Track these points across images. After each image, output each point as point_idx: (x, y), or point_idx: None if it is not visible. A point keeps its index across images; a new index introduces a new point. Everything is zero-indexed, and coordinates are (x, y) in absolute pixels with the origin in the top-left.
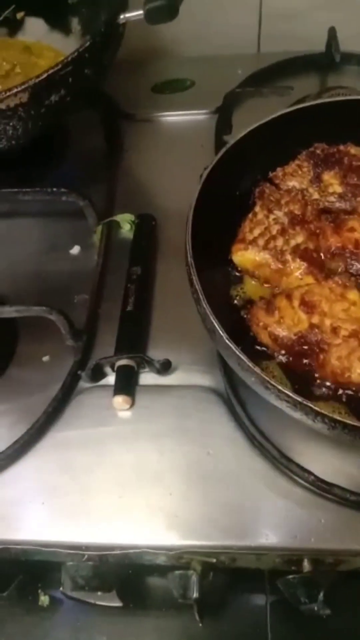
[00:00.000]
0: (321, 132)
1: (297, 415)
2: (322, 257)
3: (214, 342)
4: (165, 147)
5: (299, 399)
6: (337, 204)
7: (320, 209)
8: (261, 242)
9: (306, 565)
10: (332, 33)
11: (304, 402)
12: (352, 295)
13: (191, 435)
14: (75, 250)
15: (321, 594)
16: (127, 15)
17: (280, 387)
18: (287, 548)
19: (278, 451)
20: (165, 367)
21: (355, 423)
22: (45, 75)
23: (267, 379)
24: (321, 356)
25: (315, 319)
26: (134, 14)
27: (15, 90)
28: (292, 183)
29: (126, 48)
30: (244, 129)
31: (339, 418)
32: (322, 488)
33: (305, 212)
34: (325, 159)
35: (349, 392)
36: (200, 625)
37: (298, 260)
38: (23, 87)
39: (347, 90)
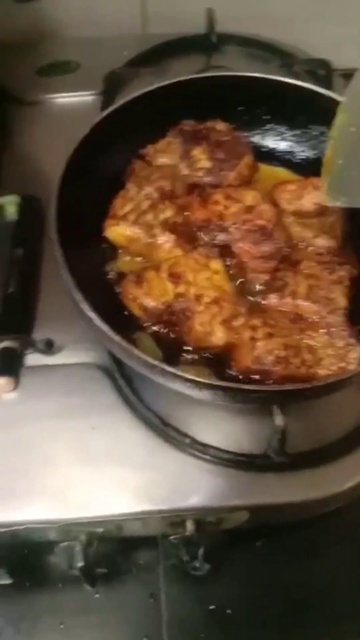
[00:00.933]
0: (191, 108)
1: (161, 380)
2: (192, 230)
3: (79, 316)
4: (52, 129)
5: (156, 363)
6: (205, 179)
7: (191, 183)
8: (132, 217)
9: (189, 526)
10: (209, 14)
11: (161, 366)
12: (214, 264)
13: (77, 412)
14: None
15: (201, 551)
16: None
17: (140, 355)
18: (168, 510)
19: (159, 419)
20: (49, 347)
21: (207, 381)
22: None
23: (128, 347)
24: (187, 323)
25: (180, 288)
26: None
27: None
28: (163, 159)
29: (11, 31)
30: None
31: (189, 376)
32: (198, 449)
33: (175, 187)
34: (194, 135)
35: (210, 355)
36: (97, 595)
37: (167, 233)
38: None
39: (224, 71)
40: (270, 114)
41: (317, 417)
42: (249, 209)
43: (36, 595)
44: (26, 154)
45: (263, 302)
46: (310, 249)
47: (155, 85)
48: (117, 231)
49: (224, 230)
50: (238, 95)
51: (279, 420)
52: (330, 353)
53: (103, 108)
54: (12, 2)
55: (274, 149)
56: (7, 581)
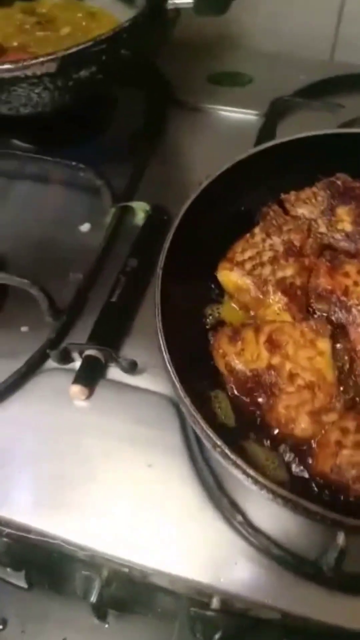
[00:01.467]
0: (350, 162)
1: (219, 458)
2: (307, 296)
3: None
4: (207, 142)
5: (218, 442)
6: (342, 243)
7: (324, 244)
8: (249, 265)
9: (215, 602)
10: None
11: (222, 447)
12: (321, 344)
13: (138, 441)
14: (86, 227)
15: (218, 635)
16: (176, 1)
17: (203, 424)
18: (193, 582)
19: (216, 481)
20: (132, 367)
21: (265, 481)
22: (74, 50)
23: (192, 411)
24: (270, 400)
25: (275, 360)
26: (184, 1)
27: (42, 59)
28: (302, 210)
29: (192, 30)
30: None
31: (247, 469)
32: (247, 531)
33: (305, 245)
34: (344, 192)
35: (286, 444)
36: (106, 626)
37: (279, 293)
38: (51, 57)
39: None
40: None
41: None
42: None
43: (49, 603)
44: (174, 161)
45: None
46: None
47: (313, 133)
48: (229, 276)
49: (346, 308)
50: None
51: (341, 539)
52: None
53: (262, 133)
54: None
55: None
56: (23, 585)
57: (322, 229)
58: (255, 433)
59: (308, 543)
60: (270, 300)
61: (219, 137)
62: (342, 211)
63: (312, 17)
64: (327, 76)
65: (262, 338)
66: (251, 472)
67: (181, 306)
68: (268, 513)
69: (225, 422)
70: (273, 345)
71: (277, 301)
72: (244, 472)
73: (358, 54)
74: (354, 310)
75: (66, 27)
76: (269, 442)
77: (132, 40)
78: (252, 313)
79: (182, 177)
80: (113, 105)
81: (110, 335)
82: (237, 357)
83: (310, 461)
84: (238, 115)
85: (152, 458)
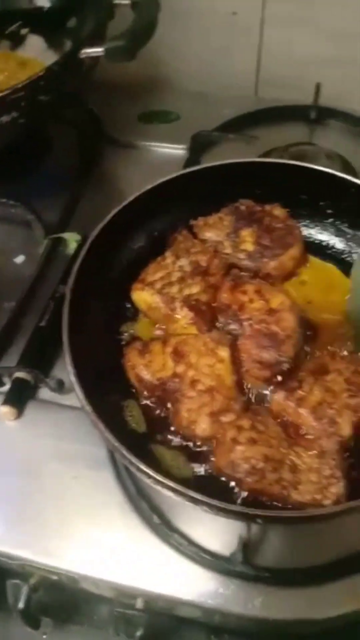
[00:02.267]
0: (253, 188)
1: (126, 463)
2: (213, 312)
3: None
4: (138, 175)
5: (122, 448)
6: (245, 262)
7: (229, 263)
8: (159, 285)
9: (139, 603)
10: (317, 88)
11: (125, 453)
12: (222, 352)
13: (64, 456)
14: (20, 259)
15: (139, 632)
16: (88, 50)
17: (107, 434)
18: (117, 584)
19: (136, 487)
20: (59, 387)
21: (162, 479)
22: None
23: (98, 422)
24: (175, 405)
25: (180, 368)
26: (95, 50)
27: None
28: (209, 234)
29: (122, 72)
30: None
31: (147, 470)
32: (163, 531)
33: (211, 265)
34: (248, 216)
35: (192, 444)
36: (44, 637)
37: (185, 309)
38: None
39: (314, 148)
40: (334, 210)
41: (305, 538)
42: (272, 312)
43: None
44: (106, 194)
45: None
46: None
47: (219, 162)
48: (141, 295)
49: (239, 321)
50: (303, 185)
51: (243, 531)
52: (312, 479)
53: (187, 165)
54: None
55: (330, 244)
56: None
57: (228, 250)
58: (163, 436)
59: (223, 540)
60: (178, 316)
61: (149, 171)
62: (246, 233)
63: (234, 57)
64: (249, 111)
65: (169, 349)
66: (146, 469)
67: (97, 325)
68: (185, 515)
69: (136, 428)
70: (178, 355)
71: (184, 316)
72: (140, 470)
73: (279, 89)
74: (245, 323)
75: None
76: (175, 444)
77: (49, 87)
78: (164, 328)
79: (113, 208)
80: (48, 143)
81: (39, 358)
82: (146, 368)
83: (212, 459)
84: (166, 150)
85: (78, 471)
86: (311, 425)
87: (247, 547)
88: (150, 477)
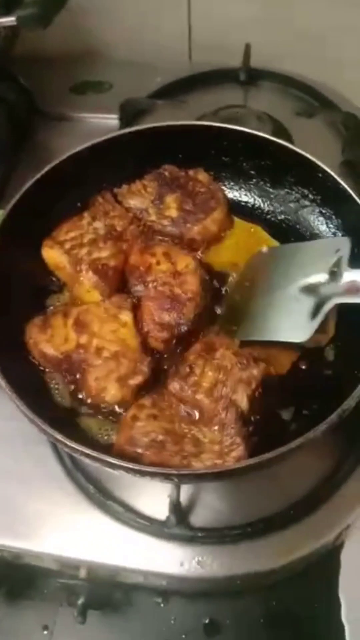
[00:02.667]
0: (178, 153)
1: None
2: (121, 277)
3: None
4: (72, 147)
5: (37, 421)
6: (169, 228)
7: (154, 231)
8: (68, 245)
9: (82, 572)
10: (246, 49)
11: (40, 424)
12: (124, 316)
13: (7, 436)
14: None
15: (80, 600)
16: (1, 20)
17: (22, 407)
18: (60, 556)
19: (72, 461)
20: None
21: (71, 443)
22: None
23: (16, 401)
24: (83, 375)
25: (83, 339)
26: (7, 19)
27: None
28: (134, 202)
29: (52, 44)
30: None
31: (58, 436)
32: (102, 502)
33: (126, 231)
34: (171, 182)
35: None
36: None
37: (90, 272)
38: None
39: (245, 110)
40: (256, 170)
41: (237, 494)
42: (177, 274)
43: None
44: (40, 168)
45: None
46: None
47: (136, 128)
48: (49, 253)
49: (144, 282)
50: (225, 147)
51: (172, 493)
52: (215, 449)
53: None
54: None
55: (256, 205)
56: None
57: (153, 217)
58: (88, 408)
59: (158, 506)
60: (82, 278)
61: (83, 142)
62: (170, 199)
63: (165, 23)
64: (181, 77)
65: (71, 321)
66: (61, 438)
67: (22, 300)
68: (120, 483)
69: (62, 403)
70: (80, 325)
71: (88, 279)
72: (57, 441)
73: (213, 53)
74: (150, 285)
75: None
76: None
77: None
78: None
79: None
80: None
81: None
82: (48, 343)
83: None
84: (100, 121)
85: (14, 448)
86: (210, 408)
87: (178, 509)
88: (61, 443)
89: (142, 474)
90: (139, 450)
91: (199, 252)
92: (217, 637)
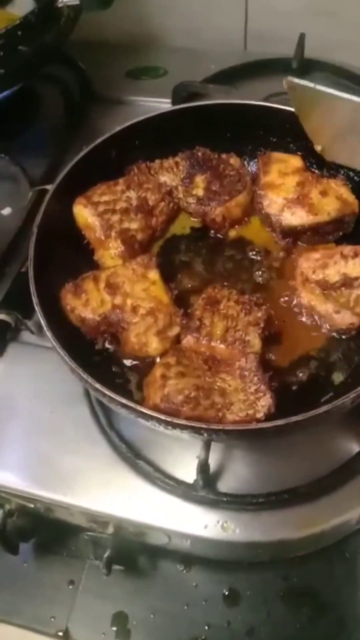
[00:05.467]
0: (207, 136)
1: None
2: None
3: None
4: None
5: (84, 375)
6: (193, 206)
7: (178, 208)
8: (102, 208)
9: (110, 528)
10: (300, 40)
11: (87, 379)
12: (152, 274)
13: (42, 393)
14: (6, 211)
15: (107, 553)
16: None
17: (71, 363)
18: (89, 510)
19: (107, 420)
20: (39, 329)
21: (117, 398)
22: None
23: (57, 348)
24: (123, 335)
25: (118, 300)
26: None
27: None
28: (165, 178)
29: (112, 30)
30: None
31: (100, 388)
32: (134, 461)
33: (157, 207)
34: (203, 163)
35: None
36: (25, 565)
37: (119, 242)
38: None
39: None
40: (303, 151)
41: (265, 464)
42: None
43: None
44: None
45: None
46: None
47: (187, 104)
48: (81, 212)
49: None
50: (273, 127)
51: (201, 453)
52: (241, 398)
53: None
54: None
55: None
56: None
57: (180, 195)
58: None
59: (188, 469)
60: (110, 244)
61: None
62: (199, 179)
63: (222, 11)
64: (235, 65)
65: (102, 285)
66: (97, 385)
67: (63, 266)
68: (153, 445)
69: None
70: (111, 288)
71: (115, 247)
72: (94, 389)
73: (268, 43)
74: None
75: None
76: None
77: (27, 37)
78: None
79: None
80: (36, 102)
81: (19, 302)
82: (85, 307)
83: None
84: (154, 104)
85: (54, 406)
86: (226, 353)
87: (206, 472)
88: (99, 392)
89: (174, 426)
90: (176, 407)
91: None
92: (235, 608)
